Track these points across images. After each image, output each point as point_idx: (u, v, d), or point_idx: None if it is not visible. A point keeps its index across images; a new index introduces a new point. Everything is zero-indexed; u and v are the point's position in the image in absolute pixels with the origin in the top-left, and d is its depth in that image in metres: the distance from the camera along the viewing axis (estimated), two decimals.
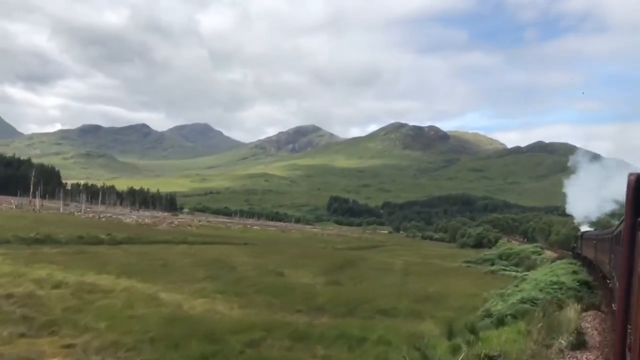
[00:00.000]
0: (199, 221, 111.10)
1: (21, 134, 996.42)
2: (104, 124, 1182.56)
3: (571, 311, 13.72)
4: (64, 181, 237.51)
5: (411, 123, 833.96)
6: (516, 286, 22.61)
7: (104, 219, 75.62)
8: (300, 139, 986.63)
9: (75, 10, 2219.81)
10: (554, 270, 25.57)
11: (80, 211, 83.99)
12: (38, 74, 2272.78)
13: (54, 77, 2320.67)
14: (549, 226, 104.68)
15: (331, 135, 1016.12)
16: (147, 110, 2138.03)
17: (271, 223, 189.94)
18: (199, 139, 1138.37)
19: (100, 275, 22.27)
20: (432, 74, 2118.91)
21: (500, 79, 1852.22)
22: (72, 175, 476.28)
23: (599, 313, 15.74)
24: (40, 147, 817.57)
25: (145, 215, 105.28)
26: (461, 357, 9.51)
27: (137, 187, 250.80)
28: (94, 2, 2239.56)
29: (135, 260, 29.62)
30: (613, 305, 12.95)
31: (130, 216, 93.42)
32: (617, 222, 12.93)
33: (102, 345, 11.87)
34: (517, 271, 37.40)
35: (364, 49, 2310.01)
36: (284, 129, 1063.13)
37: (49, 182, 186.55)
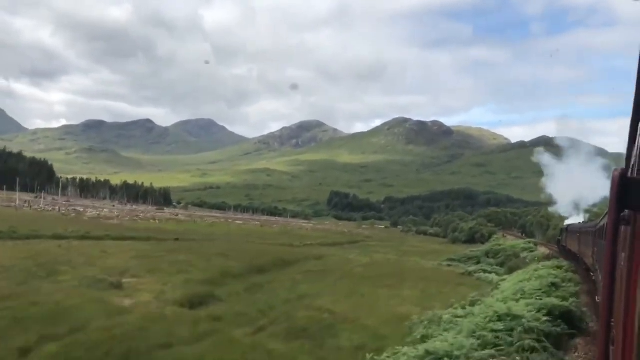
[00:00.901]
0: (176, 215, 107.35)
1: (26, 130, 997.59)
2: (109, 119, 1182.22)
3: None
4: (60, 176, 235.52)
5: (416, 118, 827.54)
6: (465, 308, 15.62)
7: (63, 212, 72.22)
8: (304, 134, 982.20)
9: (79, 5, 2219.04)
10: (527, 280, 20.50)
11: (28, 204, 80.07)
12: (43, 70, 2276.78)
13: (59, 73, 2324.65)
14: (548, 220, 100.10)
15: (335, 130, 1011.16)
16: (152, 106, 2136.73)
17: (263, 218, 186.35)
18: (202, 134, 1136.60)
19: None
20: (437, 68, 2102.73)
21: (506, 74, 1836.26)
22: (75, 170, 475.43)
23: None
24: (44, 142, 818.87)
25: (125, 209, 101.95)
26: None
27: (138, 182, 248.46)
28: None
29: None
30: (597, 298, 13.12)
31: (99, 210, 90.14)
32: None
33: None
34: (498, 274, 32.48)
35: (369, 43, 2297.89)
36: (288, 125, 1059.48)
37: (37, 176, 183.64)
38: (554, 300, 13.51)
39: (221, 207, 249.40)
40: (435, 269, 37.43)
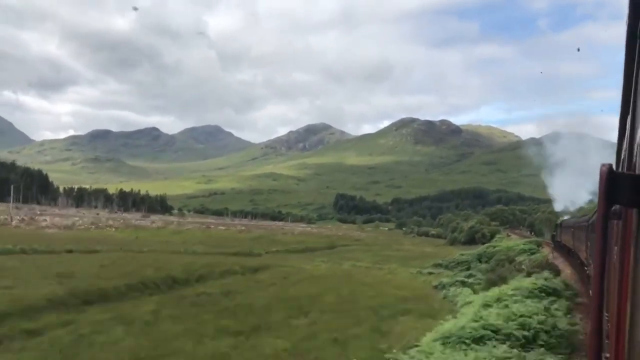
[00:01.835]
0: (152, 222, 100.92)
1: (34, 142, 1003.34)
2: (116, 128, 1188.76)
3: None
4: (58, 186, 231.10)
5: (424, 118, 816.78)
6: None
7: (14, 223, 66.37)
8: (311, 137, 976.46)
9: (84, 16, 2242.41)
10: (496, 303, 13.39)
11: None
12: (50, 81, 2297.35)
13: (65, 84, 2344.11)
14: (557, 217, 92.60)
15: (342, 132, 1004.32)
16: (159, 114, 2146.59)
17: (260, 223, 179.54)
18: (209, 140, 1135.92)
19: None
20: (445, 67, 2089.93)
21: (514, 71, 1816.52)
22: (79, 180, 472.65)
23: None
24: (51, 154, 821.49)
25: (90, 217, 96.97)
26: None
27: (134, 190, 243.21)
28: (102, 7, 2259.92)
29: None
30: (590, 292, 12.03)
31: (68, 219, 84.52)
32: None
33: None
34: (474, 289, 24.51)
35: (375, 44, 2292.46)
36: (295, 128, 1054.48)
37: (30, 186, 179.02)
38: None
39: (220, 213, 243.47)
40: (405, 281, 29.94)
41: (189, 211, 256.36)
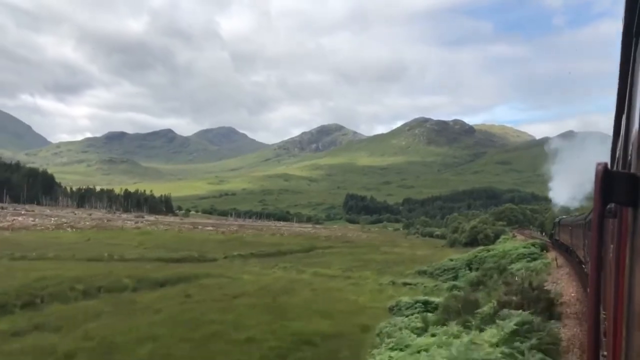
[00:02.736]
0: (136, 223, 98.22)
1: (51, 144, 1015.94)
2: (132, 130, 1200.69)
3: None
4: (64, 186, 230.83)
5: (437, 118, 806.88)
6: None
7: None
8: (324, 138, 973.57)
9: (98, 20, 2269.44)
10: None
11: None
12: (67, 85, 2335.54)
13: (82, 87, 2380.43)
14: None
15: (355, 133, 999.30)
16: (174, 116, 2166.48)
17: (264, 223, 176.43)
18: (223, 142, 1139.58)
19: None
20: (458, 67, 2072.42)
21: (529, 70, 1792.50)
22: (94, 181, 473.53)
23: None
24: (67, 156, 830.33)
25: (98, 217, 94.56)
26: None
27: (144, 191, 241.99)
28: (115, 10, 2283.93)
29: None
30: (588, 290, 7.56)
31: (52, 218, 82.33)
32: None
33: None
34: (426, 323, 18.48)
35: (388, 44, 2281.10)
36: (308, 129, 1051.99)
37: (32, 186, 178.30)
38: None
39: (225, 214, 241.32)
40: (358, 300, 25.10)
41: (197, 211, 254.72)
